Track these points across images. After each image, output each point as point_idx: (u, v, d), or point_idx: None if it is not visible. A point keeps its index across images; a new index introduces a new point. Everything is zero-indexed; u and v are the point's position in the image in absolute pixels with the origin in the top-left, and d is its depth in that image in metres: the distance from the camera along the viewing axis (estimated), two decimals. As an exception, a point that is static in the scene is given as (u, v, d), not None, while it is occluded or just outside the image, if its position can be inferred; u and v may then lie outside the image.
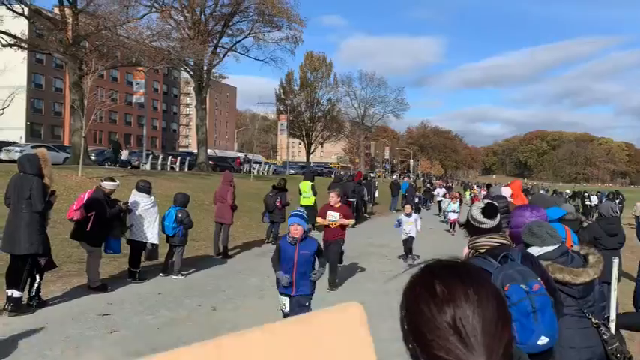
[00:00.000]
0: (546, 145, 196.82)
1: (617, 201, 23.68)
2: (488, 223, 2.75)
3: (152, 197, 8.66)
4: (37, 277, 6.57)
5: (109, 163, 28.83)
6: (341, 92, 68.06)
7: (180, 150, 72.30)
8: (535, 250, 3.07)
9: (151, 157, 31.70)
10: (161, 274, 8.72)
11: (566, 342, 2.76)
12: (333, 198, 8.58)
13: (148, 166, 29.67)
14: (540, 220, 3.39)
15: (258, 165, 46.60)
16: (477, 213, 2.80)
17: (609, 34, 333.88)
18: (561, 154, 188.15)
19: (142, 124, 59.52)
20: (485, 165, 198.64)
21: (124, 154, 31.72)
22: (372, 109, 75.78)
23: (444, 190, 27.47)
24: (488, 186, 36.29)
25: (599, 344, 2.99)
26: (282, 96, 62.90)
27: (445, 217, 20.86)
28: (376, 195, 25.24)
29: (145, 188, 8.56)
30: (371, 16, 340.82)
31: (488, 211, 2.76)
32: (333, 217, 8.42)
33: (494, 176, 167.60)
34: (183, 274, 8.83)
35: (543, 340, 2.42)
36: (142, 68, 28.91)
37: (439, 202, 25.85)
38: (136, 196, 8.47)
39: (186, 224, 8.88)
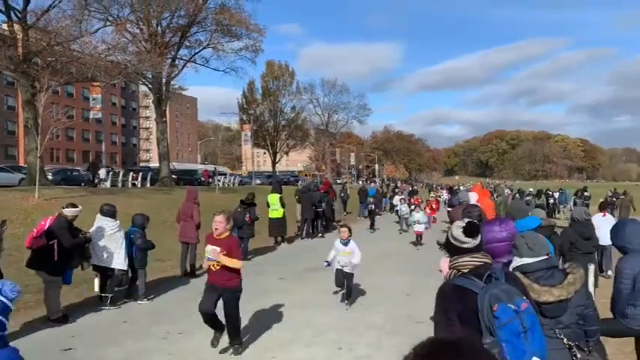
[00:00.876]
0: (506, 145, 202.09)
1: (583, 198, 24.15)
2: (470, 242, 2.66)
3: (117, 221, 8.29)
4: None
5: (86, 184, 27.70)
6: (304, 100, 68.04)
7: (142, 164, 70.80)
8: (513, 263, 2.99)
9: (111, 173, 30.82)
10: (125, 300, 8.34)
11: None
12: (219, 224, 5.75)
13: (108, 184, 28.82)
14: (529, 232, 3.30)
15: (223, 177, 46.00)
16: (458, 232, 2.71)
17: (557, 35, 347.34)
18: (521, 153, 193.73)
19: (100, 139, 58.06)
20: (448, 166, 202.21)
21: (102, 173, 30.66)
22: (336, 116, 76.15)
23: (400, 196, 23.75)
24: (451, 189, 36.66)
25: None
26: (245, 106, 62.29)
27: (406, 227, 18.62)
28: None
29: (110, 212, 8.19)
30: (327, 23, 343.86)
31: (470, 230, 2.66)
32: (209, 254, 5.64)
33: (456, 177, 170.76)
34: (148, 299, 8.47)
35: None
36: (98, 83, 28.10)
37: (396, 210, 22.63)
38: (100, 221, 8.09)
39: (140, 245, 8.48)
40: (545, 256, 3.03)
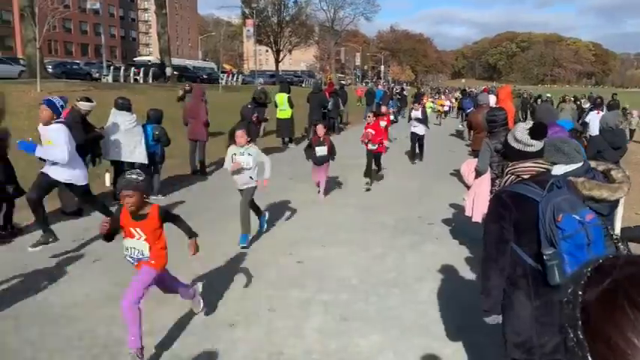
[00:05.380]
0: (516, 47, 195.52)
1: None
2: (535, 146, 2.46)
3: (134, 115, 8.07)
4: (4, 206, 6.20)
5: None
6: (309, -7, 64.76)
7: (142, 59, 68.92)
8: (561, 169, 2.85)
9: (112, 68, 30.01)
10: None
11: None
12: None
13: (110, 78, 28.17)
14: (564, 137, 3.15)
15: (225, 75, 44.88)
16: (522, 134, 2.49)
17: None
18: (530, 56, 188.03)
19: (98, 32, 56.07)
20: (455, 69, 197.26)
21: (168, 71, 29.88)
22: (342, 12, 72.79)
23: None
24: (463, 92, 35.50)
25: None
26: (247, -2, 59.41)
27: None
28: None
29: (125, 105, 7.93)
30: None
31: (537, 132, 2.44)
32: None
33: (463, 80, 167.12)
34: (163, 195, 8.49)
35: None
36: (93, -30, 26.55)
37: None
38: (116, 115, 7.86)
39: (164, 142, 8.47)
40: (585, 161, 2.95)
